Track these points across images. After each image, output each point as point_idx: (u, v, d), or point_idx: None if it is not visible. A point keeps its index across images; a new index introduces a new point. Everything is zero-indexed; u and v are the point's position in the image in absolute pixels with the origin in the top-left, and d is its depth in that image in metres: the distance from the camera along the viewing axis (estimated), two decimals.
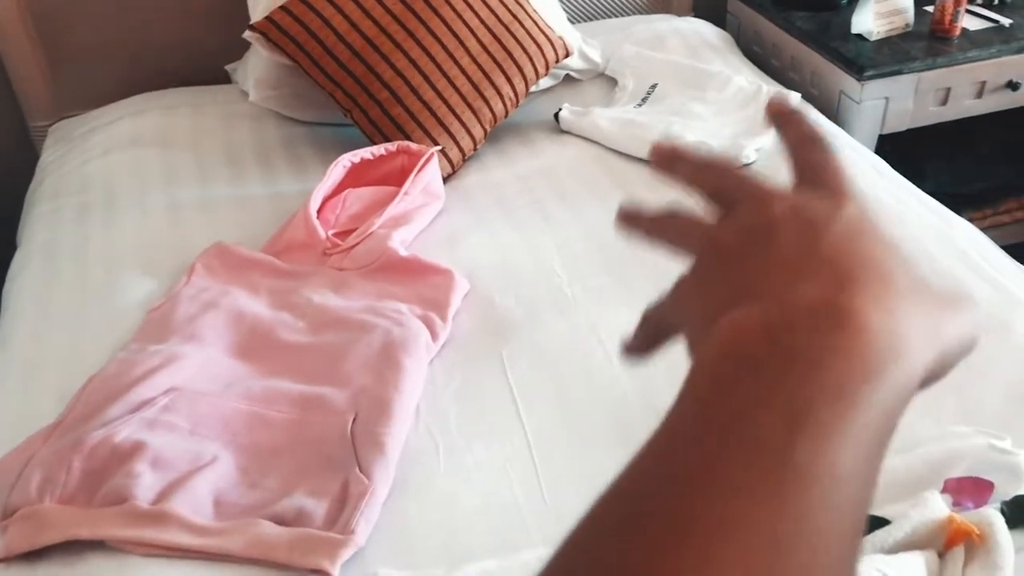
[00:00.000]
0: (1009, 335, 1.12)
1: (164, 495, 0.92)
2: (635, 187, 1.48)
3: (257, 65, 1.65)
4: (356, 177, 1.45)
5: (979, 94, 1.79)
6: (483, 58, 1.55)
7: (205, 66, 1.85)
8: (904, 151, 1.90)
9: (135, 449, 0.96)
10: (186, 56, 1.84)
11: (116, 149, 1.59)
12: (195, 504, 0.92)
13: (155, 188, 1.50)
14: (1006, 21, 1.82)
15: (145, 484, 0.93)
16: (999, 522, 0.81)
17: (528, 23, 1.61)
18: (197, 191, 1.50)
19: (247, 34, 1.54)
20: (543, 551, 0.88)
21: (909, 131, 1.80)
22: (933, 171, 2.04)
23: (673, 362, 1.15)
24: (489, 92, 1.55)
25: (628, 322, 1.21)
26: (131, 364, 1.08)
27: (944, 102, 1.78)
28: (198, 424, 1.02)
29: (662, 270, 1.32)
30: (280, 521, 0.91)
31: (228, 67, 1.84)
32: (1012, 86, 1.78)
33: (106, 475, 0.95)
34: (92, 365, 1.12)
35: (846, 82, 1.74)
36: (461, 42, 1.53)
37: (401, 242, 1.31)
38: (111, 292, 1.27)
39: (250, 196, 1.50)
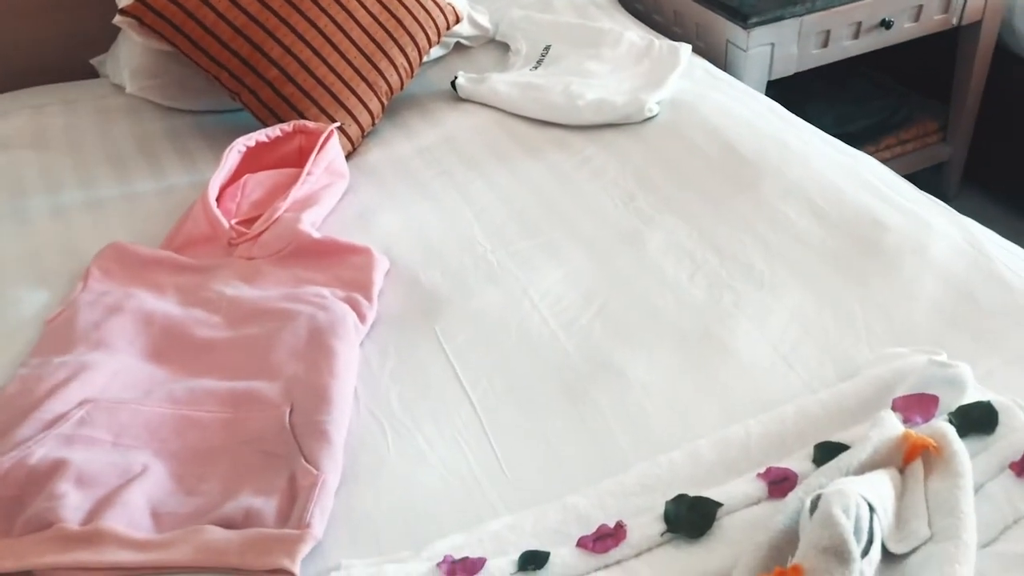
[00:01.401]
0: (926, 257, 1.15)
1: (95, 513, 0.85)
2: (541, 149, 1.46)
3: (131, 54, 1.54)
4: (252, 163, 1.38)
5: (856, 34, 1.85)
6: (373, 28, 1.49)
7: (68, 62, 1.72)
8: (786, 96, 1.94)
9: (55, 468, 0.88)
10: (46, 53, 1.71)
11: None
12: (131, 518, 0.85)
13: (33, 192, 1.39)
14: None
15: (72, 504, 0.85)
16: (951, 432, 0.83)
17: None
18: (80, 192, 1.39)
19: (118, 19, 1.44)
20: (509, 519, 0.86)
21: (788, 77, 1.84)
22: (815, 113, 2.09)
23: (610, 315, 1.15)
24: (383, 63, 1.50)
25: (557, 282, 1.21)
26: (36, 379, 0.99)
27: (825, 44, 1.83)
28: (121, 434, 0.94)
29: (583, 229, 1.32)
30: (228, 524, 0.85)
31: (94, 61, 1.72)
32: (885, 24, 1.85)
33: (26, 500, 0.86)
34: None
35: (732, 31, 1.77)
36: (350, 13, 1.47)
37: (311, 224, 1.25)
38: None
39: (138, 193, 1.40)
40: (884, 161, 2.10)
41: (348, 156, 1.46)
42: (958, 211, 1.26)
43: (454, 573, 0.78)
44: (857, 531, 0.69)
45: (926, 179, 2.12)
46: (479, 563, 0.78)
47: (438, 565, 0.78)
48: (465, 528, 0.86)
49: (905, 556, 0.75)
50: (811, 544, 0.67)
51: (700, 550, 0.80)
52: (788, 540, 0.74)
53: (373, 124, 1.51)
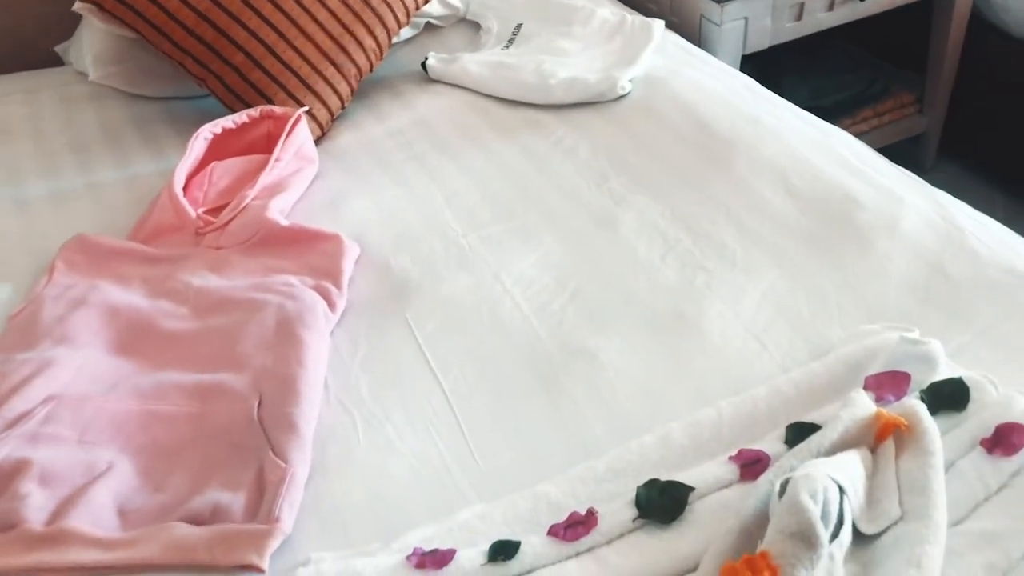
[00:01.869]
0: (899, 232, 1.14)
1: (59, 513, 0.84)
2: (514, 131, 1.45)
3: (93, 40, 1.51)
4: (219, 150, 1.36)
5: (830, 7, 1.84)
6: (341, 10, 1.47)
7: (30, 50, 1.69)
8: (760, 71, 1.93)
9: (18, 468, 0.87)
10: (8, 40, 1.68)
11: None
12: (97, 517, 0.84)
13: None
14: None
15: (35, 504, 0.84)
16: (923, 410, 0.82)
17: None
18: (43, 184, 1.37)
19: (77, 6, 1.41)
20: (479, 508, 0.85)
21: (762, 51, 1.83)
22: (790, 87, 2.08)
23: (582, 298, 1.13)
24: (351, 46, 1.47)
25: (530, 266, 1.19)
26: None
27: (799, 17, 1.81)
28: (86, 431, 0.93)
29: (555, 211, 1.31)
30: (196, 520, 0.84)
31: (57, 48, 1.69)
32: None
33: None
34: None
35: (705, 6, 1.75)
36: None
37: (280, 211, 1.24)
38: None
39: (103, 183, 1.38)
40: (861, 134, 2.10)
41: (318, 141, 1.44)
42: (935, 182, 1.26)
43: (424, 565, 0.77)
44: (826, 515, 0.68)
45: (903, 151, 2.12)
46: (449, 555, 0.77)
47: (407, 558, 0.78)
48: (436, 518, 0.85)
49: (876, 536, 0.75)
50: (778, 530, 0.66)
51: (672, 535, 0.79)
52: (759, 524, 0.74)
53: (343, 107, 1.49)
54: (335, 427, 0.96)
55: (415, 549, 0.79)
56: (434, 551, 0.78)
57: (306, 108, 1.41)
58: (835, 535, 0.71)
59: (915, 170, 1.30)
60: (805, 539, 0.65)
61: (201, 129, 1.31)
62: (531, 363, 1.03)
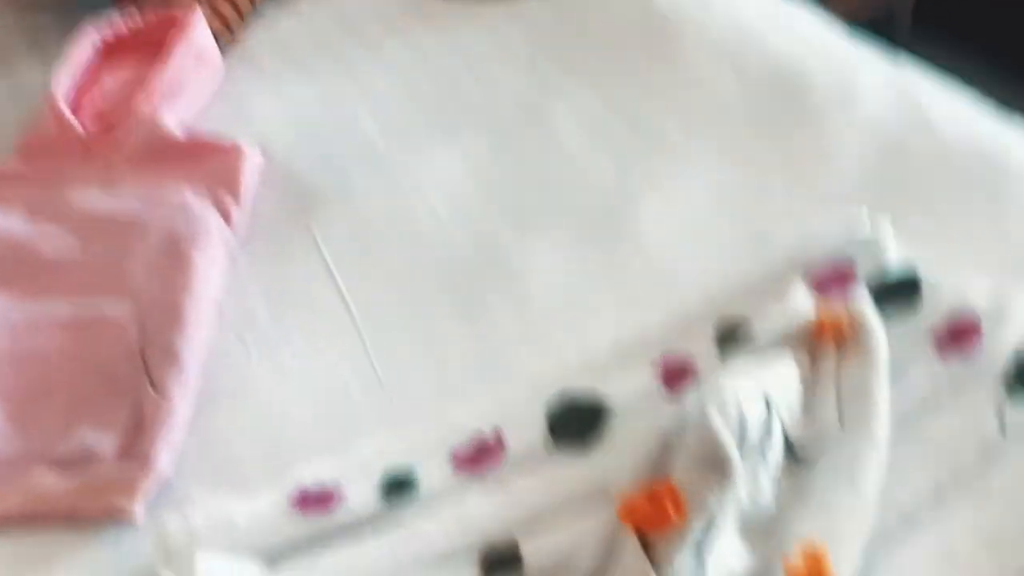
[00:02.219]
0: (854, 112, 1.04)
1: None
2: (439, 17, 1.32)
3: None
4: (116, 63, 1.23)
5: None
6: None
7: None
8: None
9: None
10: None
11: None
12: None
13: None
14: None
15: None
16: (867, 306, 0.74)
17: None
18: None
19: None
20: (379, 440, 0.77)
21: None
22: None
23: (507, 203, 1.02)
24: None
25: (452, 168, 1.08)
26: None
27: None
28: None
29: (487, 113, 1.19)
30: (64, 466, 0.76)
31: None
32: None
33: None
34: None
35: None
36: None
37: (176, 119, 1.12)
38: None
39: None
40: (830, 7, 1.96)
41: (225, 42, 1.31)
42: (909, 56, 1.15)
43: (307, 505, 0.69)
44: (743, 432, 0.60)
45: (873, 26, 1.98)
46: (336, 493, 0.69)
47: (289, 499, 0.69)
48: (333, 450, 0.77)
49: (812, 452, 0.67)
50: (688, 454, 0.58)
51: (587, 459, 0.71)
52: (679, 446, 0.65)
53: (253, 5, 1.35)
54: (226, 356, 0.87)
55: (300, 489, 0.70)
56: (320, 490, 0.70)
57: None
58: (762, 452, 0.63)
59: (887, 45, 1.18)
60: (714, 464, 0.56)
61: (86, 31, 1.18)
62: (450, 277, 0.94)
